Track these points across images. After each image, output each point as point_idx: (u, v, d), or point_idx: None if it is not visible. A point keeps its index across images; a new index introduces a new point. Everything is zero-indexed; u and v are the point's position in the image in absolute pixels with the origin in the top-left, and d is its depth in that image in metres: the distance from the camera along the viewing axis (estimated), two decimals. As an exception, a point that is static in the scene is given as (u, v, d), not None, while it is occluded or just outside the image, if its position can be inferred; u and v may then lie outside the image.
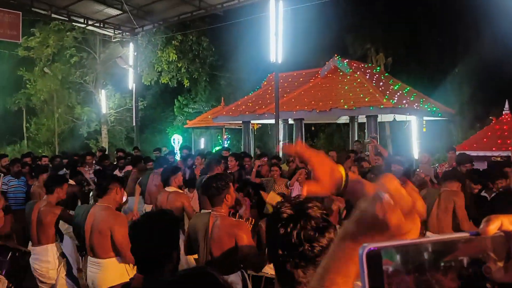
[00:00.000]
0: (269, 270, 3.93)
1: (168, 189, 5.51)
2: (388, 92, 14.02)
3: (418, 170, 7.22)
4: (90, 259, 4.14)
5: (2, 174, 5.75)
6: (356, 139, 14.14)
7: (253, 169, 8.00)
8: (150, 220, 2.07)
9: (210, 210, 3.69)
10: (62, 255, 4.93)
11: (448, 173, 5.20)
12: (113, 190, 4.00)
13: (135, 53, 16.56)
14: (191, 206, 5.41)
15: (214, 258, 3.40)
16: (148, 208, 6.90)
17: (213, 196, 3.51)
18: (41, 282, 4.74)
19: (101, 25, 15.59)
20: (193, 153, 12.05)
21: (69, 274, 4.90)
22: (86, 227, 4.04)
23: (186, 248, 3.73)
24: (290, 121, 15.57)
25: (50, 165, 9.94)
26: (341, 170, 1.02)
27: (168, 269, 2.04)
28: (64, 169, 8.77)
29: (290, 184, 7.53)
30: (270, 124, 17.76)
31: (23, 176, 8.40)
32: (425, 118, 14.74)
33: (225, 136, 21.57)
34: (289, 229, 1.25)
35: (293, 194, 7.37)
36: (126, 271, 3.97)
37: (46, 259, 4.76)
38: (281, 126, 12.69)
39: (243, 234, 3.35)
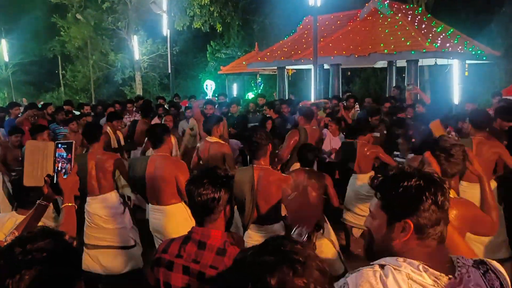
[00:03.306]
0: None
1: (209, 139, 5.42)
2: (430, 35, 13.37)
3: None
4: (153, 207, 4.22)
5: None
6: (394, 84, 13.72)
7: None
8: (204, 176, 2.11)
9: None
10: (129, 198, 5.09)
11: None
12: (167, 140, 4.20)
13: (169, -2, 16.25)
14: (232, 156, 5.42)
15: (260, 209, 3.52)
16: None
17: (257, 149, 3.55)
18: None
19: (133, -31, 15.27)
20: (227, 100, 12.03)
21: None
22: (147, 177, 4.13)
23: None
24: (326, 66, 15.21)
25: (92, 113, 10.17)
26: None
27: (224, 220, 2.13)
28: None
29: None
30: (305, 69, 17.42)
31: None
32: (468, 61, 14.09)
33: (258, 81, 21.37)
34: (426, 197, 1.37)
35: (326, 142, 7.32)
36: (189, 217, 4.00)
37: (113, 205, 4.74)
38: (317, 71, 12.41)
39: (289, 188, 3.47)
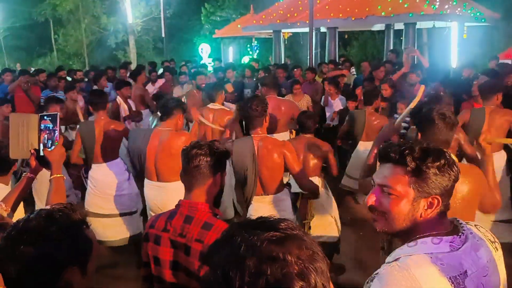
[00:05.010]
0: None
1: (212, 106, 5.26)
2: (429, -4, 13.07)
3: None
4: (151, 183, 4.04)
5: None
6: (391, 48, 13.52)
7: None
8: (203, 142, 2.12)
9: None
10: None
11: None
12: (177, 116, 3.96)
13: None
14: (237, 122, 5.33)
15: (263, 179, 3.42)
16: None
17: (254, 117, 3.41)
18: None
19: None
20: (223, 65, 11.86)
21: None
22: (149, 151, 3.93)
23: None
24: (323, 29, 14.95)
25: (86, 79, 10.02)
26: None
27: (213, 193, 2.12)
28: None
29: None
30: (301, 33, 17.14)
31: (60, 90, 8.50)
32: (467, 24, 13.84)
33: (254, 45, 21.01)
34: None
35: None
36: None
37: (118, 172, 4.70)
38: (313, 34, 12.19)
39: (290, 153, 3.36)
